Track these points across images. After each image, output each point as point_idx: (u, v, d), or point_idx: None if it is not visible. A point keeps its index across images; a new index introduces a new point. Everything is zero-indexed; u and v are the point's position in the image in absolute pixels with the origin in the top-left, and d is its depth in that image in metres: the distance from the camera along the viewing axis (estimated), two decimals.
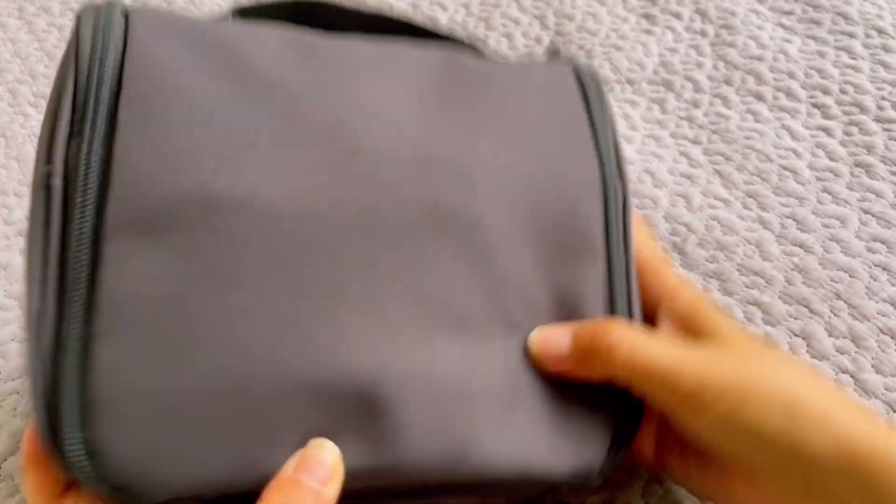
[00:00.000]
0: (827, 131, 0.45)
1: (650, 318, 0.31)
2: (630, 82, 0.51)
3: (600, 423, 0.28)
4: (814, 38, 0.51)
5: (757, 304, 0.39)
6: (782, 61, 0.50)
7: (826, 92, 0.47)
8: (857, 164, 0.43)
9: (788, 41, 0.51)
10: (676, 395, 0.26)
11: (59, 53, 0.58)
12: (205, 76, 0.26)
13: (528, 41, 0.54)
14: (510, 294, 0.28)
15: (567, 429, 0.27)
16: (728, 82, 0.49)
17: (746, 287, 0.39)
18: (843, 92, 0.47)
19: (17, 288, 0.43)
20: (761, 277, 0.40)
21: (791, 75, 0.49)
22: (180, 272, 0.24)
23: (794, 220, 0.42)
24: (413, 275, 0.26)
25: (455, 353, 0.26)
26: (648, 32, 0.54)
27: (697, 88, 0.49)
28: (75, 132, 0.24)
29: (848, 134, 0.45)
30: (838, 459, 0.24)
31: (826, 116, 0.46)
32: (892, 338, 0.37)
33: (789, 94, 0.48)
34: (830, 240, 0.40)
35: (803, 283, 0.39)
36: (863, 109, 0.46)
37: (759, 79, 0.49)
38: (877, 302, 0.38)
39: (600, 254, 0.30)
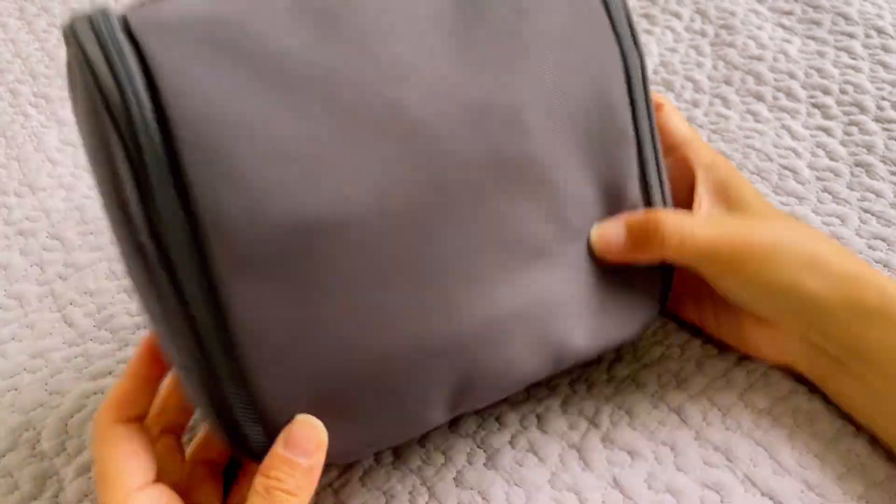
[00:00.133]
0: (827, 131, 0.45)
1: (689, 188, 0.35)
2: None
3: (652, 285, 0.33)
4: (814, 38, 0.51)
5: None
6: (782, 61, 0.50)
7: (826, 92, 0.47)
8: (857, 164, 0.43)
9: (788, 41, 0.51)
10: (716, 264, 0.31)
11: (60, 53, 0.58)
12: (241, 88, 0.25)
13: None
14: (569, 207, 0.31)
15: (631, 298, 0.33)
16: (728, 82, 0.49)
17: None
18: (843, 92, 0.47)
19: (16, 288, 0.43)
20: None
21: (791, 75, 0.49)
22: (302, 293, 0.26)
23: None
24: (491, 228, 0.29)
25: (537, 279, 0.30)
26: (648, 32, 0.54)
27: (697, 88, 0.49)
28: (143, 191, 0.25)
29: (848, 134, 0.45)
30: (838, 299, 0.30)
31: (826, 116, 0.46)
32: None
33: (789, 94, 0.48)
34: (831, 238, 0.40)
35: None
36: (863, 109, 0.46)
37: (758, 79, 0.49)
38: None
39: (630, 134, 0.32)
